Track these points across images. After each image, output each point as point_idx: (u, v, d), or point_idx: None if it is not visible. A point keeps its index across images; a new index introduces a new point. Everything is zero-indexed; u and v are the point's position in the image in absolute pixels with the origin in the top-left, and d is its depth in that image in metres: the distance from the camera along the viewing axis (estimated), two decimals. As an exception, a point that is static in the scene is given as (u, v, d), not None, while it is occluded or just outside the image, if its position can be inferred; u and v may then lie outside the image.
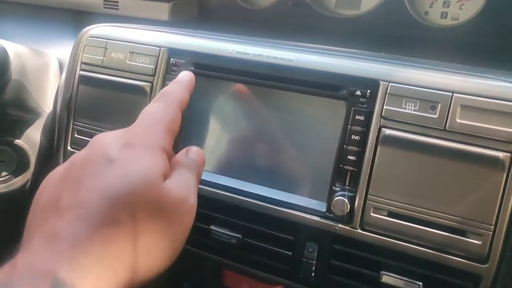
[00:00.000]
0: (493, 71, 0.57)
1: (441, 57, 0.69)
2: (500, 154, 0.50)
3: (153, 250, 0.42)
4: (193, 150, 0.52)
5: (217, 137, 0.67)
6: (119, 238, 0.39)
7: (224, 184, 0.65)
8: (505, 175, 0.50)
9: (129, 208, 0.40)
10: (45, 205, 0.41)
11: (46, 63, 0.82)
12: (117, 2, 0.94)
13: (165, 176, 0.44)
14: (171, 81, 0.67)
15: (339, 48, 0.65)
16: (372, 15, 0.84)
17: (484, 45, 0.78)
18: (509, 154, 0.50)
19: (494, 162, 0.50)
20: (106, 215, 0.39)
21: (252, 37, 0.70)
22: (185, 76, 0.56)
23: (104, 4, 0.96)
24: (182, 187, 0.45)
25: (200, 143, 0.68)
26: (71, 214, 0.39)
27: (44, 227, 0.39)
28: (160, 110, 0.49)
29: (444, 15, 0.81)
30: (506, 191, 0.50)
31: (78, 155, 0.45)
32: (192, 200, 0.46)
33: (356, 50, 0.65)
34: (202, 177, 0.66)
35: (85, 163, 0.43)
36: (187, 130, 0.68)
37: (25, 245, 0.38)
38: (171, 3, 0.91)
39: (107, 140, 0.45)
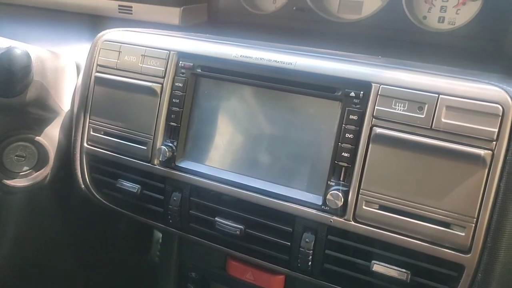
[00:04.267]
0: (479, 73, 0.61)
1: (438, 60, 0.73)
2: (482, 152, 0.54)
3: None
4: None
5: (222, 134, 0.72)
6: None
7: (228, 178, 0.70)
8: (486, 171, 0.54)
9: None
10: None
11: (64, 64, 0.88)
12: (131, 7, 1.00)
13: None
14: (180, 82, 0.72)
15: (337, 52, 0.70)
16: (372, 20, 0.88)
17: (479, 48, 0.81)
18: (490, 151, 0.53)
19: (476, 159, 0.54)
20: None
21: (257, 40, 0.74)
22: None
23: (119, 9, 1.01)
24: None
25: (206, 140, 0.73)
26: None
27: None
28: None
29: (441, 19, 0.85)
30: (487, 186, 0.54)
31: None
32: None
33: (353, 54, 0.69)
34: (208, 172, 0.71)
35: None
36: (195, 127, 0.73)
37: None
38: (182, 8, 0.96)
39: None
